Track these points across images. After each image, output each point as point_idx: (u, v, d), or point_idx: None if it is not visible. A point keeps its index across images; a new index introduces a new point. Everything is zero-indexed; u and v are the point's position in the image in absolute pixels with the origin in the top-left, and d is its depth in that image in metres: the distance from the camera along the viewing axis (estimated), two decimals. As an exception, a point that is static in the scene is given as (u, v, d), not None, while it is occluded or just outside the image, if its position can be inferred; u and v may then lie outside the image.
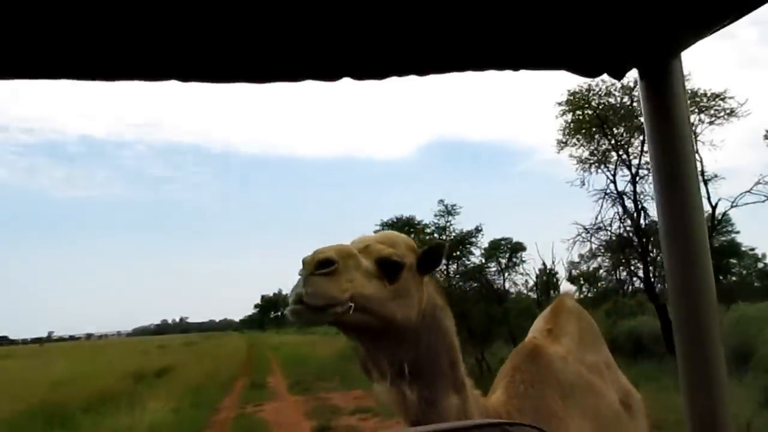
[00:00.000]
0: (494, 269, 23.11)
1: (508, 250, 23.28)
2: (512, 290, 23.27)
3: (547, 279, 22.69)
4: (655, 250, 20.17)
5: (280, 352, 36.89)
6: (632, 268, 22.30)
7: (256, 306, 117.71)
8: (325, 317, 2.16)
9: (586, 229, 20.83)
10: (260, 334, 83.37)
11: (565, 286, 24.47)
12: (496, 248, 23.10)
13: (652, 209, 19.90)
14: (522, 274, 23.37)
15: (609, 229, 20.81)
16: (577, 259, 23.58)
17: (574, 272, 25.04)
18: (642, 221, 20.08)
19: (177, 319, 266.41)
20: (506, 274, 23.24)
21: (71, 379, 21.42)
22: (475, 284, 21.98)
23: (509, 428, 1.06)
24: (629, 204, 20.25)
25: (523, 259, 23.40)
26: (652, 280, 20.16)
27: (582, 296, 24.55)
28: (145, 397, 16.63)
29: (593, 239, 21.26)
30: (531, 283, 23.72)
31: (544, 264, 23.41)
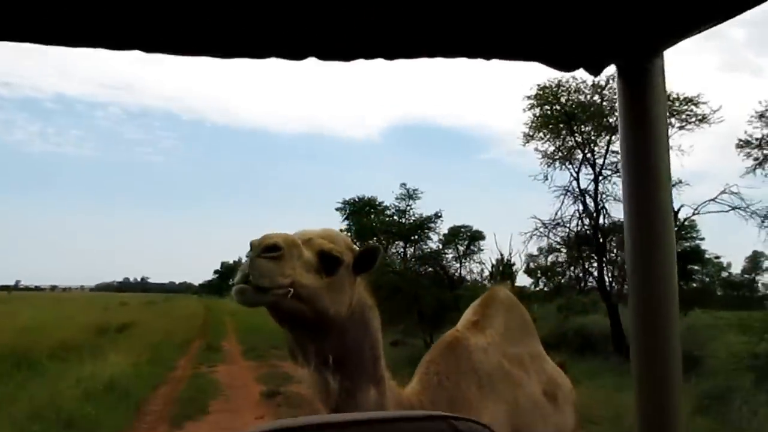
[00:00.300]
0: (452, 256, 23.22)
1: (467, 238, 23.29)
2: (469, 278, 23.20)
3: (503, 269, 22.31)
4: (615, 251, 20.23)
5: (236, 318, 36.50)
6: (587, 266, 22.49)
7: (215, 272, 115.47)
8: (267, 298, 2.27)
9: (544, 224, 20.97)
10: (218, 300, 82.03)
11: (522, 278, 24.71)
12: (455, 235, 23.15)
13: (613, 209, 20.04)
14: (479, 262, 23.39)
15: (568, 225, 21.01)
16: (535, 252, 23.69)
17: (531, 265, 25.12)
18: (601, 220, 20.24)
19: (138, 278, 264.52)
20: (464, 262, 23.29)
21: (37, 328, 21.32)
22: (431, 269, 22.13)
23: (454, 422, 1.04)
24: (590, 202, 20.44)
25: (482, 247, 23.37)
26: (608, 279, 20.36)
27: (538, 289, 24.87)
28: (106, 350, 16.77)
29: (551, 234, 21.44)
30: (487, 272, 23.52)
31: (501, 254, 22.98)
